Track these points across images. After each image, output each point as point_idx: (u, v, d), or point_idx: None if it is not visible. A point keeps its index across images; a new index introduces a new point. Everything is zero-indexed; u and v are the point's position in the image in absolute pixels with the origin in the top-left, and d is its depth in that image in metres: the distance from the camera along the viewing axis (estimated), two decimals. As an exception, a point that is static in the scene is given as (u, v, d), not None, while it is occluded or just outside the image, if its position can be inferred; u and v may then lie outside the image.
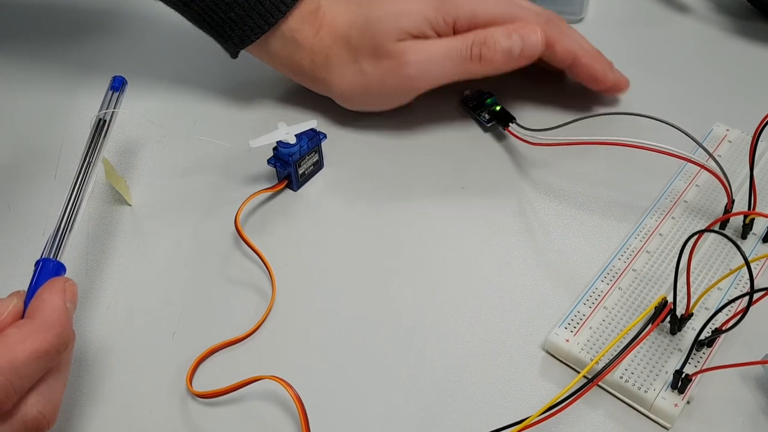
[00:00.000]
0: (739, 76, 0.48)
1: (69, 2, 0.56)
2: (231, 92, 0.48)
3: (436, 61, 0.40)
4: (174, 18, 0.43)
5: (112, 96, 0.38)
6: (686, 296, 0.32)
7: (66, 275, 0.31)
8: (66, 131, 0.45)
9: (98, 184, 0.41)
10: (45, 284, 0.29)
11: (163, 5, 0.43)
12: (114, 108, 0.37)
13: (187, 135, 0.45)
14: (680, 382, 0.31)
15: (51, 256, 0.31)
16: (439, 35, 0.41)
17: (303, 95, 0.47)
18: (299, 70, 0.44)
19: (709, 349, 0.32)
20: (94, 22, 0.54)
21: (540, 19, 0.41)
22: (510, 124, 0.43)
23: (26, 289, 0.29)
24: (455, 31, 0.41)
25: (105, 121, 0.36)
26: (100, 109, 0.37)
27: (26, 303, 0.28)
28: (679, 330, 0.33)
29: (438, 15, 0.40)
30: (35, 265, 0.30)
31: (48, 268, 0.30)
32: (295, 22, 0.42)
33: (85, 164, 0.34)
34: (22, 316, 0.28)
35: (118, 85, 0.39)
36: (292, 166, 0.40)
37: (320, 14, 0.42)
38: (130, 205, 0.40)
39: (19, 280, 0.32)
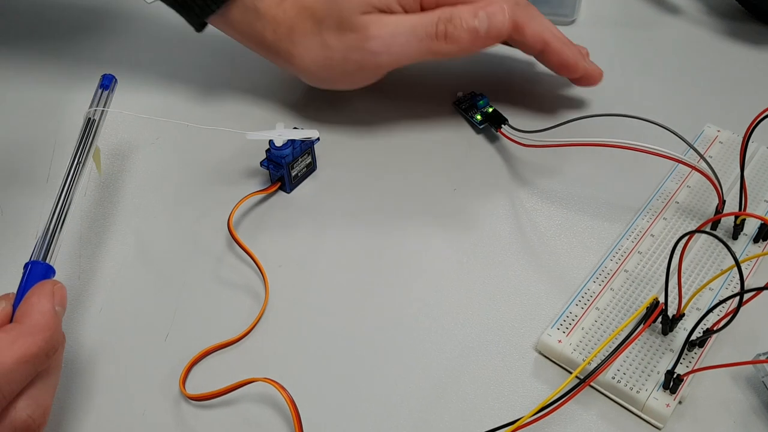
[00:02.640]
0: (730, 77, 0.49)
1: (58, 0, 0.56)
2: (226, 94, 0.48)
3: (401, 36, 0.39)
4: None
5: (101, 94, 0.38)
6: (678, 297, 0.32)
7: (57, 278, 0.30)
8: (58, 132, 0.45)
9: (89, 185, 0.41)
10: (33, 287, 0.28)
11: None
12: (103, 106, 0.37)
13: (179, 135, 0.45)
14: (672, 382, 0.31)
15: (40, 259, 0.30)
16: (406, 11, 0.40)
17: (296, 97, 0.47)
18: (261, 41, 0.42)
19: (701, 350, 0.32)
20: (84, 20, 0.54)
21: (509, 1, 0.40)
22: (502, 125, 0.43)
23: (15, 292, 0.29)
24: (422, 8, 0.40)
25: (94, 120, 0.36)
26: (89, 107, 0.37)
27: (15, 306, 0.28)
28: (671, 330, 0.33)
29: None
30: (24, 268, 0.30)
31: (37, 271, 0.30)
32: None
33: (75, 164, 0.34)
34: (11, 320, 0.28)
35: (107, 83, 0.38)
36: (284, 168, 0.40)
37: None
38: (100, 175, 0.39)
39: (9, 282, 0.32)
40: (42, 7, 0.55)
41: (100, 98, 0.37)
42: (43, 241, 0.31)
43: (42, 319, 0.27)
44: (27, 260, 0.30)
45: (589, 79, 0.44)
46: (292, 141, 0.39)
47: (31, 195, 0.41)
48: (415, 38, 0.39)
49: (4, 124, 0.46)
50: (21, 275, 0.30)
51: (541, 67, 0.50)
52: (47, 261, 0.30)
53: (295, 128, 0.40)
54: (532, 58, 0.51)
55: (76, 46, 0.52)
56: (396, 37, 0.39)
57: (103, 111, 0.37)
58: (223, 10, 0.41)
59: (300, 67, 0.42)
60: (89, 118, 0.36)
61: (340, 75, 0.41)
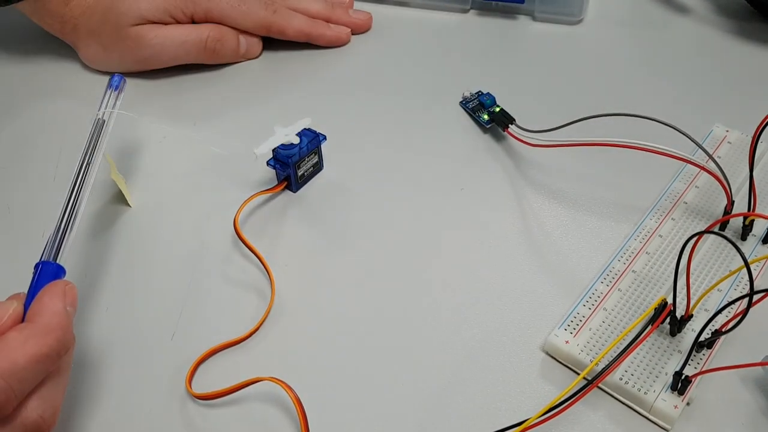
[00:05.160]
0: (739, 77, 0.48)
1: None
2: (231, 94, 0.48)
3: (170, 47, 0.46)
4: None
5: (110, 95, 0.38)
6: (686, 298, 0.32)
7: (65, 277, 0.30)
8: (65, 132, 0.45)
9: (97, 185, 0.41)
10: (45, 288, 0.29)
11: None
12: (113, 107, 0.37)
13: (186, 137, 0.45)
14: (680, 383, 0.31)
15: (50, 259, 0.30)
16: (178, 22, 0.47)
17: (302, 97, 0.47)
18: (53, 32, 0.48)
19: (709, 351, 0.32)
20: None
21: (267, 12, 0.48)
22: (509, 125, 0.43)
23: (26, 292, 0.29)
24: (193, 20, 0.47)
25: (104, 120, 0.36)
26: (99, 108, 0.37)
27: (26, 306, 0.28)
28: (679, 331, 0.33)
29: (176, 8, 0.46)
30: (35, 268, 0.30)
31: (48, 271, 0.30)
32: None
33: (84, 165, 0.34)
34: (23, 320, 0.28)
35: (117, 83, 0.39)
36: (291, 167, 0.40)
37: None
38: (130, 206, 0.40)
39: (19, 282, 0.32)
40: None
41: (109, 99, 0.38)
42: (54, 241, 0.31)
43: (54, 319, 0.27)
44: (36, 259, 0.30)
45: (358, 30, 0.52)
46: (300, 138, 0.39)
47: (39, 193, 0.41)
48: (184, 50, 0.47)
49: (11, 123, 0.46)
50: (31, 275, 0.30)
51: (548, 66, 0.50)
52: (57, 260, 0.31)
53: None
54: (538, 56, 0.51)
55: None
56: (166, 48, 0.46)
57: (112, 113, 0.37)
58: (22, 3, 0.46)
59: (84, 58, 0.49)
60: (99, 119, 0.36)
61: (118, 68, 0.47)
